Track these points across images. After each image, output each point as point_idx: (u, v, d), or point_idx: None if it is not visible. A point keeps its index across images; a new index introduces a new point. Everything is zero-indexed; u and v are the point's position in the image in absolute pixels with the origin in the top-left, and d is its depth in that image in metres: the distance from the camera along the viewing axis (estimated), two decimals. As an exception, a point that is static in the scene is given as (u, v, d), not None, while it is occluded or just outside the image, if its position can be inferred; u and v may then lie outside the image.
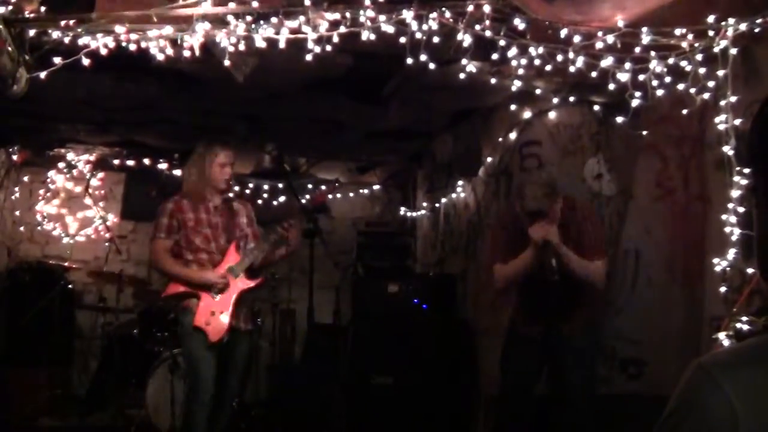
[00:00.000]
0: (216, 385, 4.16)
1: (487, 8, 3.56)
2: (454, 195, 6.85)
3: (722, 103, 3.62)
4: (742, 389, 0.97)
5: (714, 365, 1.02)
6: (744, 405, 0.96)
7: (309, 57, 3.72)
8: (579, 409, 4.01)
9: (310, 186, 8.45)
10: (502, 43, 3.70)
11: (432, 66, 3.84)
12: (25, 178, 8.07)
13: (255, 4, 3.54)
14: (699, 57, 3.69)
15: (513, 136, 5.73)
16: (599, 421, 4.21)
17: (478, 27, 3.63)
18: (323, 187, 8.15)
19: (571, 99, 5.08)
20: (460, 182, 6.69)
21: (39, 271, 7.24)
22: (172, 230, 4.31)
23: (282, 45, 3.65)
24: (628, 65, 3.75)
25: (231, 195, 4.57)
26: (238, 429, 5.53)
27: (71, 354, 7.48)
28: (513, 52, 3.78)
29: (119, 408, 6.00)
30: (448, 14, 3.61)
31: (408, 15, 3.56)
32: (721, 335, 3.38)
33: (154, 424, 5.45)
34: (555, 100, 5.08)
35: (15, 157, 7.59)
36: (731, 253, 3.60)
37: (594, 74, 3.83)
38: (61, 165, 7.92)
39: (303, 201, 4.47)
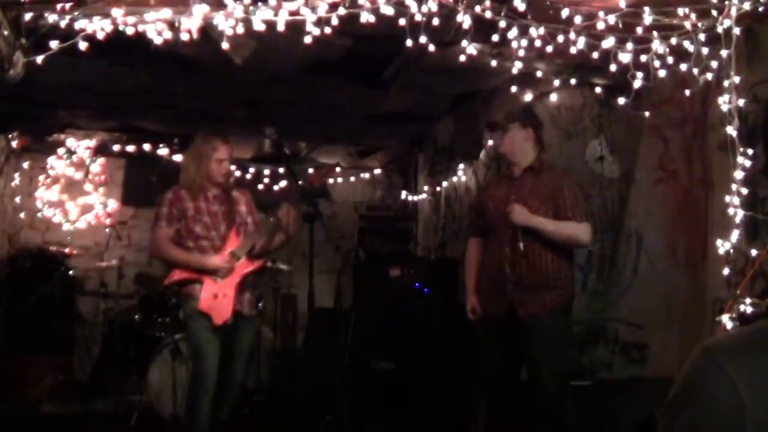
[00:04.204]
0: (220, 371, 4.16)
1: (487, -12, 3.51)
2: (455, 178, 6.82)
3: (725, 83, 3.58)
4: (748, 374, 0.96)
5: (719, 350, 1.01)
6: (749, 390, 0.95)
7: (308, 39, 3.68)
8: (548, 396, 3.82)
9: (310, 170, 8.42)
10: (502, 24, 3.66)
11: (432, 48, 3.80)
12: (25, 165, 8.04)
13: (253, -14, 3.50)
14: (702, 37, 3.65)
15: (514, 119, 5.68)
16: (601, 406, 4.20)
17: (478, 8, 3.58)
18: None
19: (573, 81, 5.04)
20: (461, 166, 6.67)
21: (39, 258, 7.24)
22: (173, 219, 4.30)
23: (281, 27, 3.60)
24: (630, 46, 3.71)
25: (230, 182, 4.55)
26: (240, 414, 5.53)
27: (72, 340, 7.48)
28: (513, 33, 3.74)
29: (121, 394, 6.01)
30: (448, -5, 3.57)
31: (407, -4, 3.51)
32: (725, 317, 3.37)
33: (155, 410, 5.45)
34: (556, 83, 5.03)
35: (14, 144, 7.57)
36: (734, 235, 3.57)
37: (595, 55, 3.79)
38: (60, 151, 7.89)
39: (303, 185, 4.42)
